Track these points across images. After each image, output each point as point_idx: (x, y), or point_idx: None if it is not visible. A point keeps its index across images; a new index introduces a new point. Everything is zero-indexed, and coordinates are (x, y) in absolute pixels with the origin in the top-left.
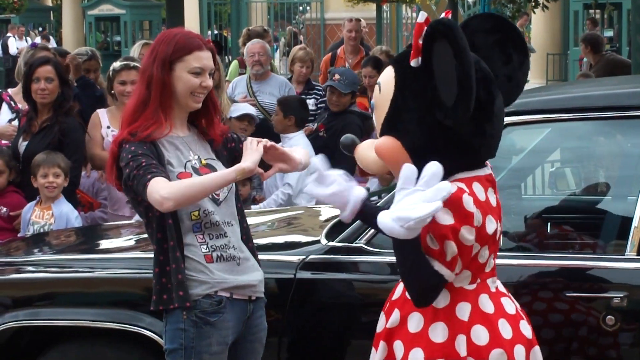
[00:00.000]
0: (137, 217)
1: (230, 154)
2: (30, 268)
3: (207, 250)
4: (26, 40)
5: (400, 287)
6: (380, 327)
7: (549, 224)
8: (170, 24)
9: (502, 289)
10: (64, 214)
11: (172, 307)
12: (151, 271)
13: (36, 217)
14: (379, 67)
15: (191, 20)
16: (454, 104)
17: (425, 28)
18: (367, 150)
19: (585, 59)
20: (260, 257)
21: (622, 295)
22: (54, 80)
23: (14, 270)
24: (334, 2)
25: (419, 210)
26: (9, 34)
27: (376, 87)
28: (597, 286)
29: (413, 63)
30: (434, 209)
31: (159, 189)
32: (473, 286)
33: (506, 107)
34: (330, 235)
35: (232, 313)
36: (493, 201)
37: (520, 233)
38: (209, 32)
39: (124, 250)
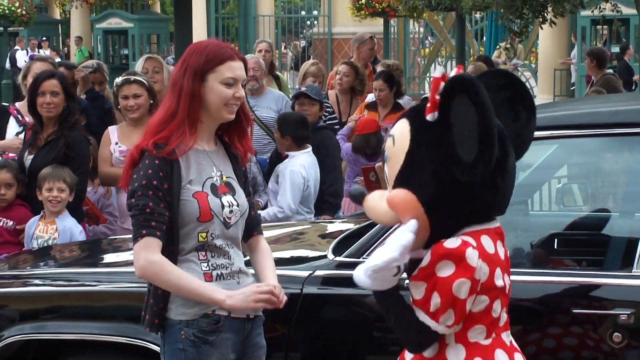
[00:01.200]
0: None
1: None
2: (36, 281)
3: (207, 268)
4: (38, 53)
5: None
6: None
7: (555, 240)
8: (178, 38)
9: (514, 343)
10: (68, 229)
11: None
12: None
13: (40, 232)
14: (390, 80)
15: (199, 35)
16: (473, 161)
17: (443, 83)
18: (377, 201)
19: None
20: None
21: (629, 312)
22: (60, 94)
23: (21, 284)
24: (342, 16)
25: (377, 259)
26: (17, 47)
27: (389, 139)
28: (604, 303)
29: (429, 117)
30: (390, 258)
31: (140, 257)
32: (489, 341)
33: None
34: (337, 250)
35: (230, 332)
36: (502, 254)
37: (527, 249)
38: None
39: (130, 264)
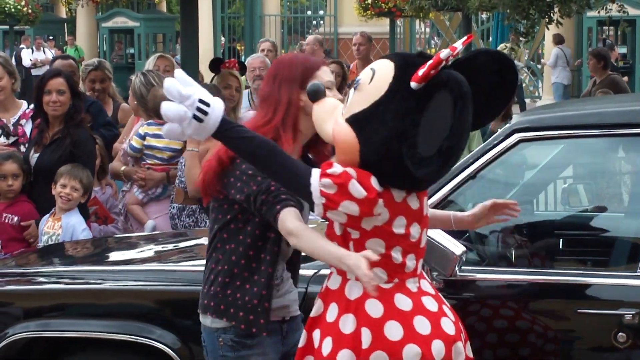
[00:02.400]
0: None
1: None
2: (41, 279)
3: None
4: (43, 52)
5: (325, 281)
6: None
7: (561, 240)
8: (184, 37)
9: (426, 288)
10: (71, 226)
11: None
12: (162, 284)
13: (47, 228)
14: None
15: (205, 34)
16: (424, 159)
17: (444, 70)
18: (327, 115)
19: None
20: None
21: (634, 312)
22: (66, 92)
23: (26, 281)
24: (348, 16)
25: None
26: (22, 46)
27: (369, 71)
28: (609, 303)
29: (413, 85)
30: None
31: (290, 222)
32: (389, 285)
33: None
34: None
35: (268, 334)
36: (413, 205)
37: (532, 249)
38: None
39: (135, 262)
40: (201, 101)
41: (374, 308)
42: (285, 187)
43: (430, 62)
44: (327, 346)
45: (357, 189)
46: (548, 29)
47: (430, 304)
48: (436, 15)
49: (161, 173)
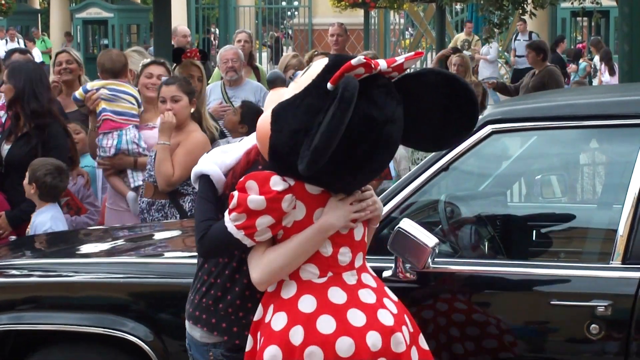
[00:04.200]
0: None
1: None
2: (14, 272)
3: None
4: (17, 43)
5: (322, 322)
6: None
7: (534, 232)
8: (158, 28)
9: (366, 281)
10: (36, 224)
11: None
12: (134, 276)
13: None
14: None
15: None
16: (305, 154)
17: (349, 75)
18: (267, 105)
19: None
20: None
21: (606, 304)
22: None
23: None
24: (322, 7)
25: None
26: None
27: (310, 64)
28: (581, 295)
29: (329, 86)
30: None
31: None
32: (322, 280)
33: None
34: None
35: None
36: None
37: (506, 240)
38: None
39: (108, 255)
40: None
41: (306, 304)
42: (223, 246)
43: (344, 66)
44: (261, 344)
45: (256, 202)
46: (522, 20)
47: (368, 295)
48: (410, 7)
49: (129, 159)
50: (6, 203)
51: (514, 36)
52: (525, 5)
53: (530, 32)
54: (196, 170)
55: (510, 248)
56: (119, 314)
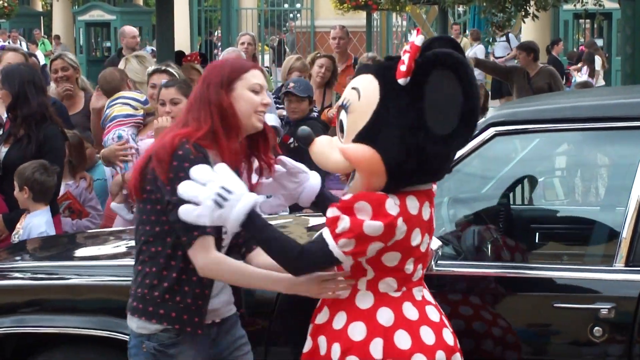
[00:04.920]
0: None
1: None
2: (16, 275)
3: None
4: (20, 45)
5: (399, 337)
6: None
7: (537, 234)
8: (160, 30)
9: (428, 297)
10: (30, 227)
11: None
12: None
13: (19, 224)
14: None
15: (181, 27)
16: (449, 135)
17: (426, 53)
18: (327, 148)
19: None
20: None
21: (609, 306)
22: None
23: (0, 277)
24: (324, 9)
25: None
26: None
27: (353, 91)
28: (585, 297)
29: (401, 81)
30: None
31: (199, 258)
32: (398, 294)
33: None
34: None
35: (193, 343)
36: (425, 215)
37: (509, 243)
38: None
39: (110, 258)
40: (223, 188)
41: (384, 317)
42: (312, 259)
43: (408, 54)
44: (335, 353)
45: (373, 228)
46: (524, 22)
47: (433, 313)
48: (413, 9)
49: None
50: (4, 205)
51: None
52: (527, 7)
53: (507, 33)
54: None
55: (513, 250)
56: (122, 317)
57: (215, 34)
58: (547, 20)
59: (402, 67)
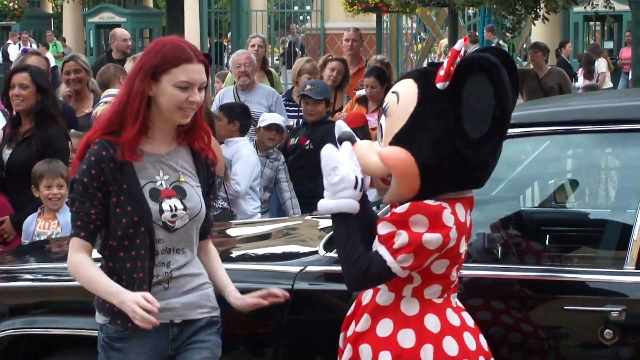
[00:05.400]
0: None
1: (206, 182)
2: (28, 276)
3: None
4: (31, 47)
5: (368, 294)
6: (349, 331)
7: (547, 236)
8: (171, 33)
9: (460, 304)
10: (62, 224)
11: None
12: None
13: (41, 229)
14: (382, 77)
15: (191, 29)
16: (481, 139)
17: (464, 57)
18: (367, 152)
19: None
20: (258, 267)
21: (620, 309)
22: (29, 87)
23: (12, 278)
24: (334, 12)
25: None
26: (9, 41)
27: (392, 95)
28: (595, 300)
29: (440, 85)
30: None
31: (68, 256)
32: (441, 300)
33: None
34: (328, 246)
35: (142, 339)
36: (468, 223)
37: (519, 245)
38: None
39: None
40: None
41: (433, 323)
42: (374, 281)
43: (447, 59)
44: (384, 359)
45: (433, 241)
46: (534, 24)
47: (469, 319)
48: (422, 11)
49: None
50: (10, 207)
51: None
52: (537, 9)
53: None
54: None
55: (523, 253)
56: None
57: (226, 36)
58: (557, 22)
59: (441, 72)
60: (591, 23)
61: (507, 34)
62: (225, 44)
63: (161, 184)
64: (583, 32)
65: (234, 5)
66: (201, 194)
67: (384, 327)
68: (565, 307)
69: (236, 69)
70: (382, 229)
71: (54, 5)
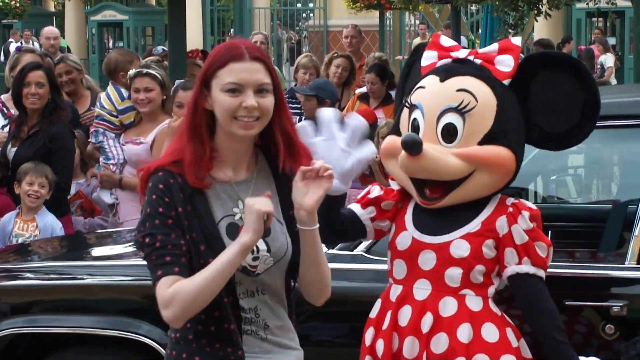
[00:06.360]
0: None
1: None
2: (28, 275)
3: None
4: (33, 45)
5: (447, 305)
6: (444, 345)
7: (549, 232)
8: (173, 30)
9: None
10: (49, 225)
11: None
12: (149, 278)
13: (19, 230)
14: (383, 74)
15: (194, 27)
16: (567, 132)
17: (533, 55)
18: (441, 154)
19: None
20: None
21: (622, 304)
22: (45, 86)
23: (13, 277)
24: (337, 9)
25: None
26: (10, 40)
27: (464, 93)
28: (597, 295)
29: (506, 82)
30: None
31: (160, 297)
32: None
33: None
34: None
35: None
36: None
37: None
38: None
39: (122, 257)
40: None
41: (508, 318)
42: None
43: (513, 55)
44: None
45: (544, 249)
46: (537, 20)
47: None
48: (425, 8)
49: (117, 176)
50: (14, 205)
51: None
52: (540, 6)
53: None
54: None
55: None
56: (134, 317)
57: (229, 33)
58: (560, 18)
59: (505, 69)
60: (594, 19)
61: (510, 31)
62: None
63: (241, 218)
64: (585, 29)
65: (236, 3)
66: (287, 231)
67: (490, 332)
68: (567, 303)
69: None
70: (539, 251)
71: (55, 3)
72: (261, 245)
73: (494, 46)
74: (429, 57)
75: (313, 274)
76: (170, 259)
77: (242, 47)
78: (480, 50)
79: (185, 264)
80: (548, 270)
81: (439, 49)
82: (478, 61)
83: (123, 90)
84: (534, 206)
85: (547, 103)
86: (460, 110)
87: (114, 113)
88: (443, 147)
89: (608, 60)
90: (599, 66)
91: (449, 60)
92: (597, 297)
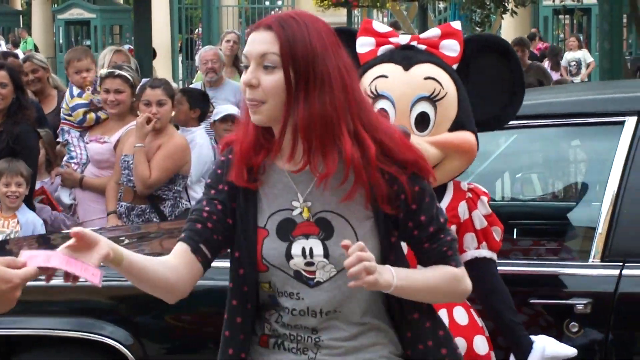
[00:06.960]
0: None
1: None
2: None
3: (264, 330)
4: (0, 45)
5: (459, 314)
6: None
7: (514, 230)
8: (138, 29)
9: None
10: (30, 222)
11: None
12: (113, 279)
13: (0, 226)
14: None
15: (162, 25)
16: (507, 109)
17: (470, 37)
18: (422, 144)
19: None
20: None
21: (585, 302)
22: (8, 86)
23: None
24: (305, 6)
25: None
26: None
27: (431, 81)
28: (561, 293)
29: (455, 66)
30: None
31: None
32: None
33: None
34: None
35: None
36: None
37: None
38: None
39: None
40: None
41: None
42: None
43: (457, 40)
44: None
45: (498, 233)
46: (503, 18)
47: None
48: (393, 5)
49: (78, 175)
50: None
51: None
52: (506, 4)
53: None
54: None
55: None
56: (98, 318)
57: (196, 31)
58: (527, 16)
59: (452, 54)
60: (561, 16)
61: (477, 28)
62: (196, 39)
63: (298, 213)
64: (552, 26)
65: (204, 1)
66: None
67: (462, 316)
68: (531, 301)
69: (203, 65)
70: (479, 224)
71: (22, 1)
72: (318, 249)
73: (435, 31)
74: (365, 44)
75: (431, 300)
76: (186, 225)
77: (263, 20)
78: (422, 36)
79: (197, 230)
80: (512, 268)
81: (374, 35)
82: (422, 47)
83: (74, 88)
84: (485, 189)
85: (484, 85)
86: (433, 99)
87: (68, 111)
88: (418, 137)
89: (587, 56)
90: (574, 62)
91: (390, 46)
92: (561, 295)
